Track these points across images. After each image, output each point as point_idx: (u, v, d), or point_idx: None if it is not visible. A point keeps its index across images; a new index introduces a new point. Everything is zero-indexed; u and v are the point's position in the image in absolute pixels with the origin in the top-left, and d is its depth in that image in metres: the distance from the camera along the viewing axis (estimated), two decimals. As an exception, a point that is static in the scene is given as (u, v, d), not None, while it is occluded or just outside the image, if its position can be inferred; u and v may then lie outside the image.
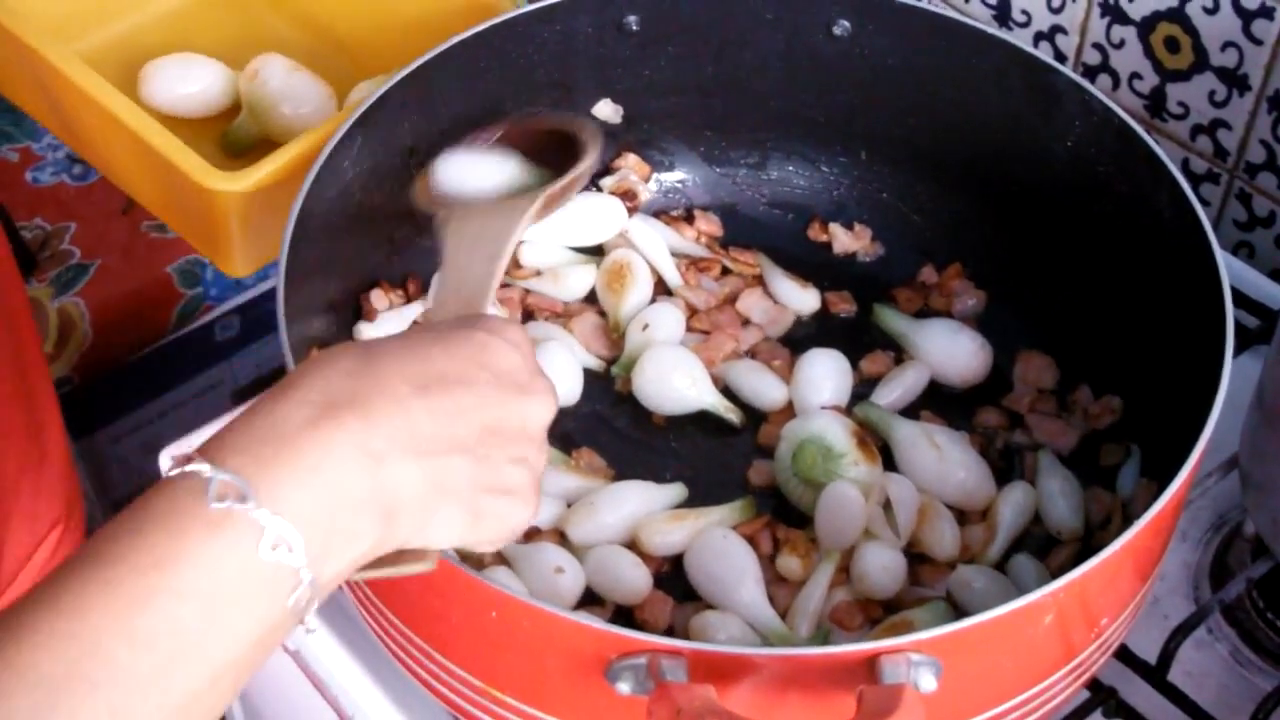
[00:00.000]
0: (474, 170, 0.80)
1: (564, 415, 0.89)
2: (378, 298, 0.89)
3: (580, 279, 0.94)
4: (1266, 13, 0.98)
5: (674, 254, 0.96)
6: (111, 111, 0.96)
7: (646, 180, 0.99)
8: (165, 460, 0.53)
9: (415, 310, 0.90)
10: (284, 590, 0.53)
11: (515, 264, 0.94)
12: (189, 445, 0.55)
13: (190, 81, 1.11)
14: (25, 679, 0.48)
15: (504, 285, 0.93)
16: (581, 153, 0.79)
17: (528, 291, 0.94)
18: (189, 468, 0.53)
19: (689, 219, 0.99)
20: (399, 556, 0.58)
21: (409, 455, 0.56)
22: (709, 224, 0.98)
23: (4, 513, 0.91)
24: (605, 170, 0.99)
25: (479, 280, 0.70)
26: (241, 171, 0.93)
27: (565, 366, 0.89)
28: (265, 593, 0.53)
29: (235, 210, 0.94)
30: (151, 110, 1.03)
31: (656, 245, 0.95)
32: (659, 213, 0.99)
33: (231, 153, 1.09)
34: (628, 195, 0.97)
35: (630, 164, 0.98)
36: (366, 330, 0.87)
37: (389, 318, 0.88)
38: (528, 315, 0.93)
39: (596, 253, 0.96)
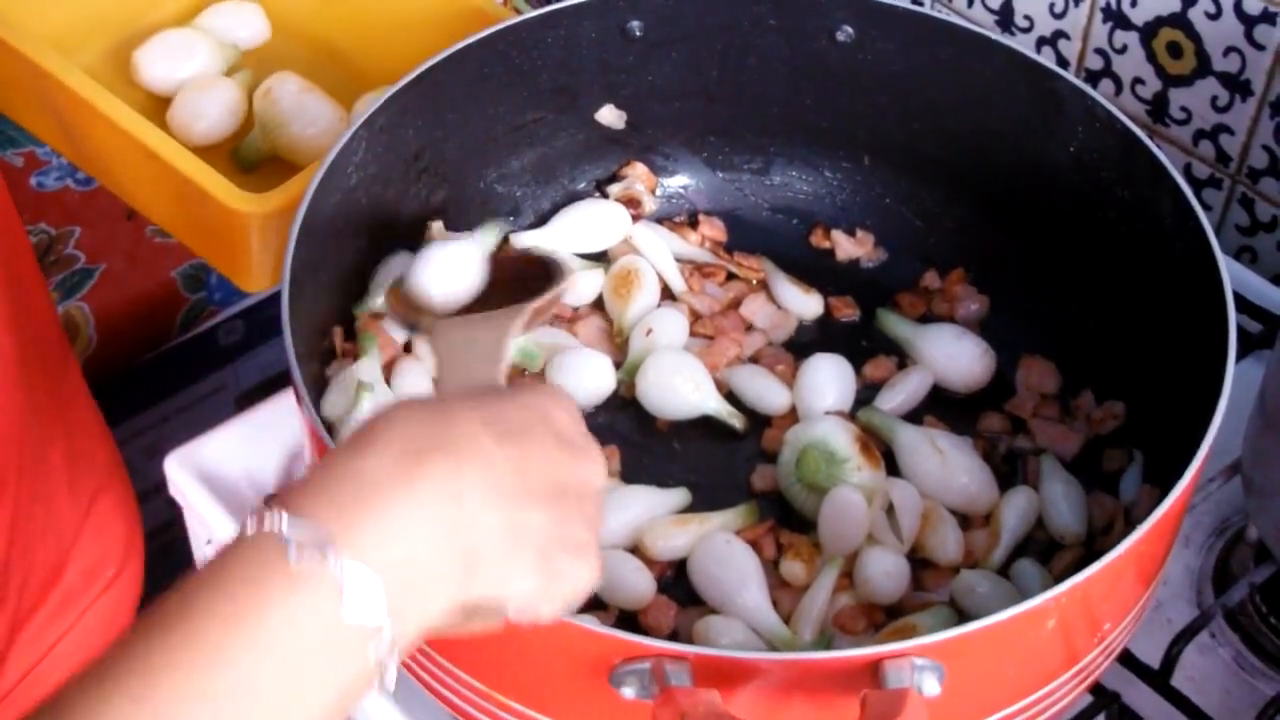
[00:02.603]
0: (447, 274, 0.81)
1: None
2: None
3: (587, 284, 0.94)
4: (1269, 18, 0.98)
5: (678, 259, 0.96)
6: (134, 135, 0.98)
7: (653, 191, 0.99)
8: (248, 514, 0.52)
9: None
10: (364, 641, 0.51)
11: None
12: (268, 498, 0.53)
13: (209, 105, 1.12)
14: None
15: None
16: (557, 276, 0.80)
17: None
18: (269, 525, 0.51)
19: (693, 224, 0.99)
20: (473, 612, 0.57)
21: (491, 501, 0.55)
22: (713, 229, 0.98)
23: (48, 490, 0.91)
24: (612, 178, 0.99)
25: (487, 381, 0.70)
26: (267, 194, 0.94)
27: (599, 365, 0.89)
28: (348, 644, 0.51)
29: (257, 229, 0.95)
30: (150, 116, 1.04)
31: (661, 251, 0.95)
32: (662, 219, 0.99)
33: (242, 168, 1.10)
34: (632, 203, 0.97)
35: (639, 174, 0.99)
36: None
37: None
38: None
39: (601, 258, 0.96)
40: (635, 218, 0.97)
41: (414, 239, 0.91)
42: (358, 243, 0.88)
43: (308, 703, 0.51)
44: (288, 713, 0.50)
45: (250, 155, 1.11)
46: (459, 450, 0.55)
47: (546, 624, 0.59)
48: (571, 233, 0.95)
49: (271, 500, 0.53)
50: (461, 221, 0.93)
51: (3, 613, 0.86)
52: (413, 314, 0.80)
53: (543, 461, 0.58)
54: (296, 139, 1.08)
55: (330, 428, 0.81)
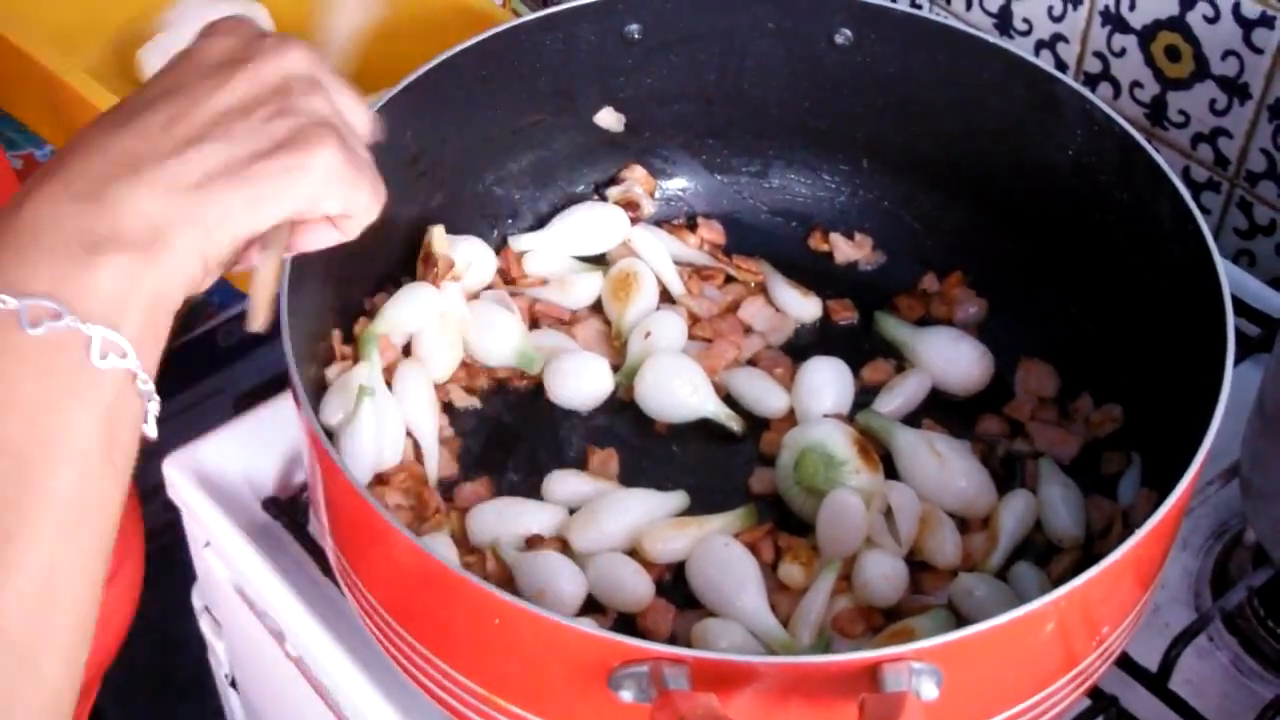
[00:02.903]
0: None
1: (572, 422, 0.90)
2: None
3: (586, 287, 0.94)
4: (1267, 22, 0.98)
5: (677, 262, 0.96)
6: None
7: (652, 194, 0.99)
8: None
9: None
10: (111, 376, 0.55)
11: (522, 272, 0.95)
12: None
13: None
14: None
15: (513, 294, 0.93)
16: None
17: (535, 300, 0.94)
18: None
19: (692, 227, 0.99)
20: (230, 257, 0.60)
21: (128, 180, 0.57)
22: (712, 232, 0.98)
23: None
24: (611, 180, 0.99)
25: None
26: None
27: (597, 368, 0.90)
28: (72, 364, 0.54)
29: None
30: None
31: (660, 254, 0.96)
32: (661, 221, 0.99)
33: None
34: (631, 206, 0.97)
35: (637, 176, 0.99)
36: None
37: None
38: (534, 323, 0.93)
39: (600, 261, 0.96)
40: (634, 220, 0.97)
41: (413, 242, 0.91)
42: (356, 246, 0.87)
43: (70, 439, 0.54)
44: (52, 456, 0.53)
45: None
46: (73, 160, 0.57)
47: (354, 218, 0.63)
48: (570, 236, 0.95)
49: None
50: (460, 224, 0.93)
51: None
52: None
53: (189, 102, 0.59)
54: None
55: (330, 434, 0.81)
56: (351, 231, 0.65)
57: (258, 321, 0.65)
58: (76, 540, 0.54)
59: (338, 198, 0.61)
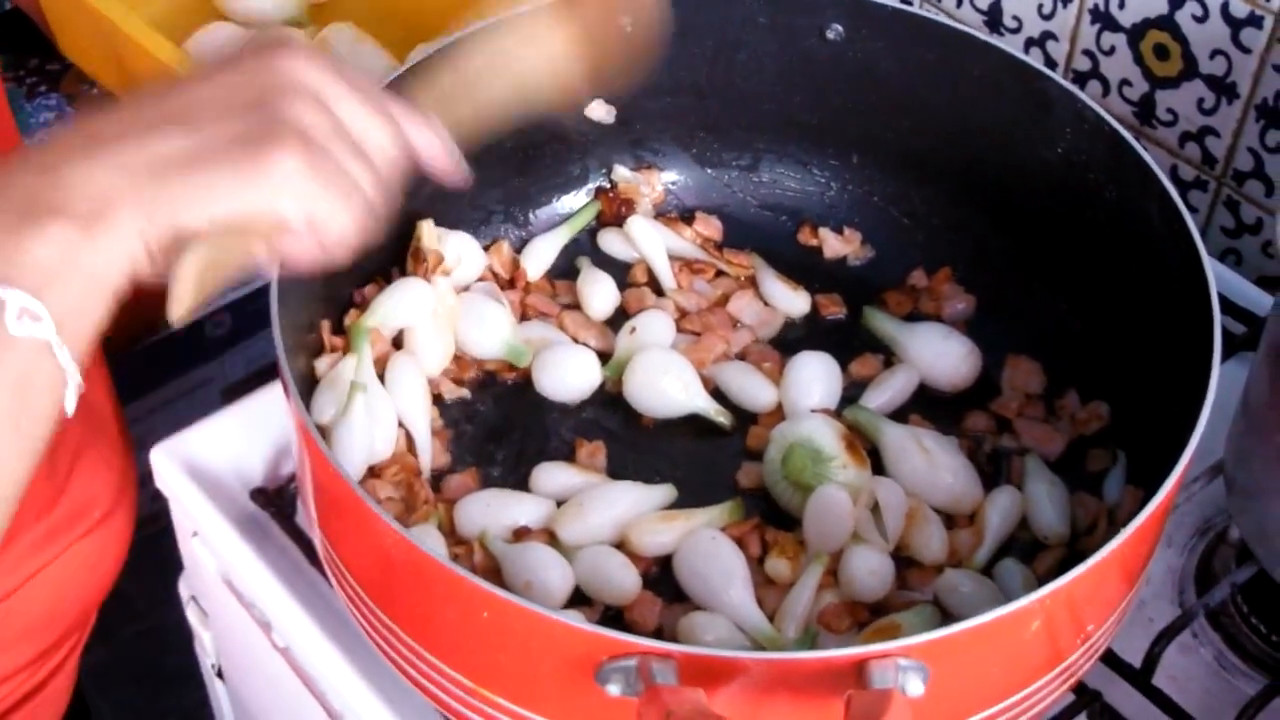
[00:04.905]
0: None
1: (560, 414, 0.90)
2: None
3: (604, 299, 0.94)
4: (1255, 21, 0.98)
5: (669, 255, 0.96)
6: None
7: (653, 186, 0.99)
8: None
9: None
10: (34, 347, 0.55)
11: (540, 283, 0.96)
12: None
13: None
14: None
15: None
16: None
17: (527, 290, 0.95)
18: None
19: (688, 220, 0.99)
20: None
21: (75, 157, 0.57)
22: (708, 228, 0.98)
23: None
24: (608, 172, 0.99)
25: None
26: None
27: (584, 361, 0.90)
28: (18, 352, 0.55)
29: None
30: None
31: (656, 246, 0.96)
32: (655, 216, 0.99)
33: None
34: (627, 204, 0.97)
35: (645, 174, 0.99)
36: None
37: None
38: (524, 315, 0.93)
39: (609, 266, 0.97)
40: (626, 214, 0.97)
41: (401, 236, 0.91)
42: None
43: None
44: None
45: None
46: (27, 155, 0.58)
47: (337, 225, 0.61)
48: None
49: None
50: (450, 217, 0.93)
51: None
52: None
53: (155, 99, 0.60)
54: None
55: (322, 431, 0.81)
56: (333, 249, 0.62)
57: (173, 313, 0.62)
58: None
59: (294, 205, 0.59)
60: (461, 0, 1.00)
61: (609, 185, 0.99)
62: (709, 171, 1.01)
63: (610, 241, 0.98)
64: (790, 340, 0.94)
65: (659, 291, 0.96)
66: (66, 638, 0.95)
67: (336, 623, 0.83)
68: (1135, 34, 1.05)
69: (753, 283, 0.96)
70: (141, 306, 1.28)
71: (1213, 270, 0.78)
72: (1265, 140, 1.03)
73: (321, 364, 0.85)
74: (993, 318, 0.94)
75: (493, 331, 0.90)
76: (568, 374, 0.90)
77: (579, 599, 0.80)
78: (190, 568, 1.00)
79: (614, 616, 0.79)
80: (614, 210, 0.98)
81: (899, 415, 0.89)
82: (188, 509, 0.91)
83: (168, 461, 0.92)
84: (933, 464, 0.84)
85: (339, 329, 0.87)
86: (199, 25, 1.16)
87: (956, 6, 1.15)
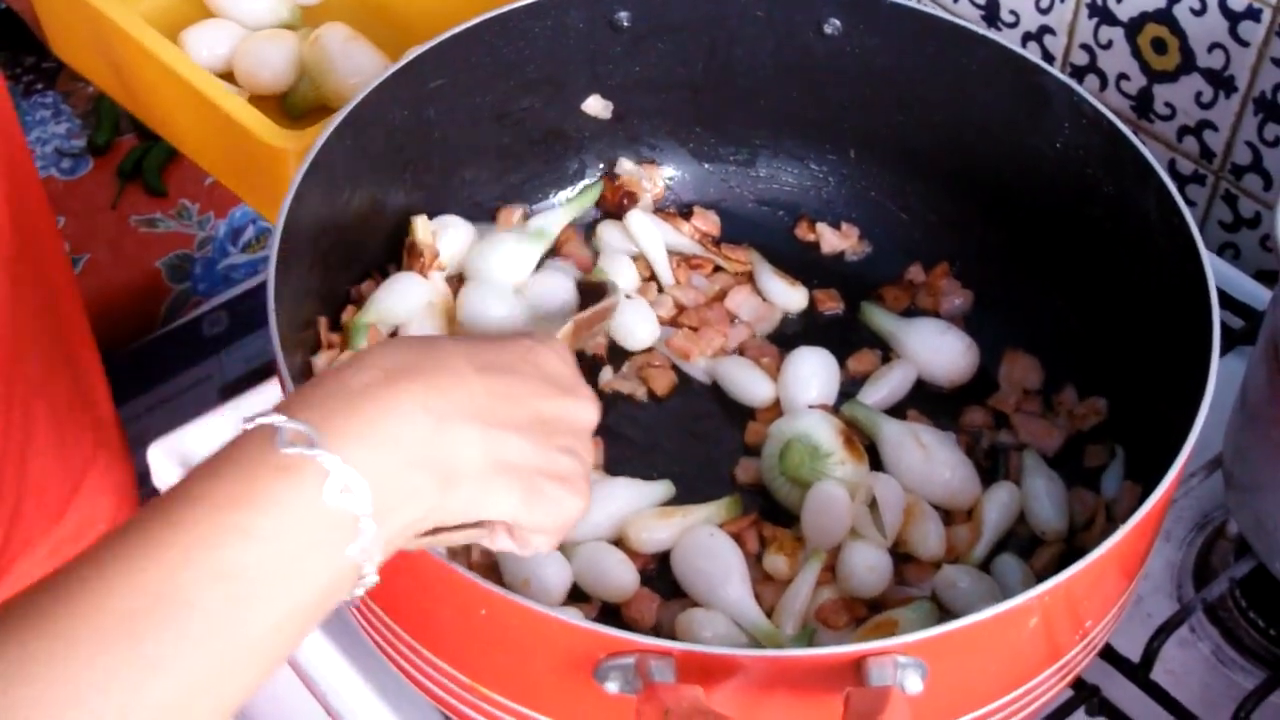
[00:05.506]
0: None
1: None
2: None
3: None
4: (1253, 15, 0.98)
5: (667, 250, 0.96)
6: (178, 73, 1.00)
7: (655, 182, 0.99)
8: (240, 420, 0.58)
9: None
10: (347, 537, 0.56)
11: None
12: (265, 407, 0.58)
13: (272, 54, 1.13)
14: (111, 611, 0.50)
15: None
16: (606, 294, 0.86)
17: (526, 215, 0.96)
18: (262, 420, 0.56)
19: (685, 215, 0.99)
20: (460, 526, 0.62)
21: (469, 422, 0.60)
22: (707, 223, 0.98)
23: (46, 435, 0.93)
24: (610, 168, 0.99)
25: None
26: (305, 130, 0.97)
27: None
28: (330, 538, 0.55)
29: (295, 165, 0.96)
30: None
31: (655, 241, 0.96)
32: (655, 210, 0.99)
33: (291, 116, 1.12)
34: (629, 196, 0.97)
35: (646, 169, 0.99)
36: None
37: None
38: None
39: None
40: (628, 206, 0.97)
41: (397, 231, 0.91)
42: (341, 233, 0.87)
43: (290, 591, 0.55)
44: (270, 597, 0.54)
45: (298, 103, 1.12)
46: (439, 374, 0.61)
47: (537, 552, 0.65)
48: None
49: (271, 408, 0.58)
50: (445, 211, 0.93)
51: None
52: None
53: (525, 394, 0.64)
54: (341, 86, 1.10)
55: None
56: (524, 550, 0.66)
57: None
58: (232, 676, 0.54)
59: (552, 537, 0.66)
60: (454, 1, 1.00)
61: (613, 176, 0.99)
62: (706, 166, 1.01)
63: (609, 236, 0.98)
64: (788, 335, 0.94)
65: (658, 287, 0.95)
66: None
67: (334, 620, 0.82)
68: (1133, 28, 1.05)
69: (750, 278, 0.96)
70: (137, 304, 1.29)
71: (1211, 264, 0.77)
72: (1263, 134, 1.02)
73: (319, 361, 0.85)
74: (990, 313, 0.94)
75: (491, 327, 0.90)
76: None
77: (577, 596, 0.80)
78: (188, 565, 0.99)
79: (612, 613, 0.79)
80: (616, 199, 0.98)
81: (897, 411, 0.89)
82: (185, 506, 0.91)
83: (165, 459, 0.92)
84: (930, 460, 0.84)
85: (336, 325, 0.87)
86: (190, 24, 1.16)
87: (954, 1, 1.15)
